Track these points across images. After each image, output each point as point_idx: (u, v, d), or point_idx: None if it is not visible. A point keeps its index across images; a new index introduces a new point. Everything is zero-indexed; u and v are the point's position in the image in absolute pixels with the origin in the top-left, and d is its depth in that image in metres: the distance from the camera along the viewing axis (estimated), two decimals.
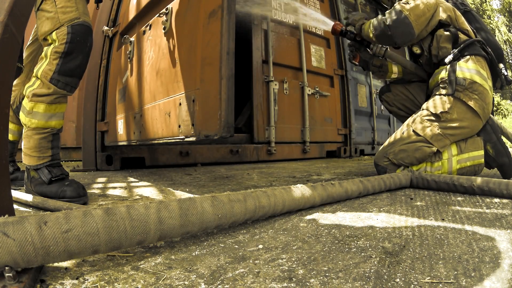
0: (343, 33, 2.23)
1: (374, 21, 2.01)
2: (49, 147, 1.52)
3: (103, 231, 0.68)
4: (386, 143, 1.95)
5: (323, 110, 4.15)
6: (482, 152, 1.83)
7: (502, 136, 2.20)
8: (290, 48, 3.86)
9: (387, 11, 1.97)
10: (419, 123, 1.84)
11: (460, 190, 1.50)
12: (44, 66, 1.48)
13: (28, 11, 0.89)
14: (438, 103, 1.82)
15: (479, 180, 1.43)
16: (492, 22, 23.79)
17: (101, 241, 0.68)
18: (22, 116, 1.51)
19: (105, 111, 2.93)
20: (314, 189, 1.24)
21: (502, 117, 19.43)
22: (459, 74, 1.80)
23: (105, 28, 2.95)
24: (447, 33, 1.90)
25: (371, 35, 2.02)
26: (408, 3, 1.89)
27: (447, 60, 1.86)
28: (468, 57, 1.84)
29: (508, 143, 2.52)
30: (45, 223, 0.63)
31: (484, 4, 24.09)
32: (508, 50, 23.51)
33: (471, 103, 1.76)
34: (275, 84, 3.61)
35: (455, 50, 1.85)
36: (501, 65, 1.94)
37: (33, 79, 1.51)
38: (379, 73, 2.34)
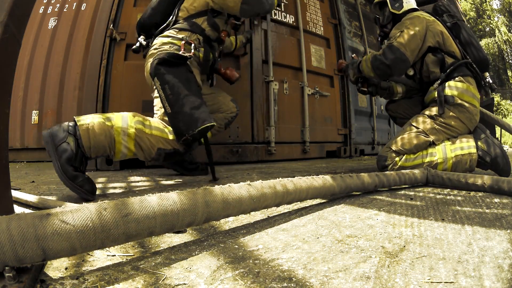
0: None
1: (370, 60, 2.23)
2: (100, 153, 1.62)
3: (159, 214, 0.76)
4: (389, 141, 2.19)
5: (323, 110, 4.14)
6: (473, 143, 1.99)
7: (502, 128, 2.47)
8: (290, 48, 3.85)
9: (384, 47, 2.18)
10: (418, 120, 2.12)
11: (472, 188, 1.54)
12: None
13: (28, 11, 0.89)
14: (433, 110, 2.11)
15: (489, 179, 1.48)
16: (492, 22, 23.77)
17: (157, 223, 0.75)
18: (126, 122, 1.68)
19: (106, 111, 2.92)
20: (334, 180, 1.32)
21: (502, 117, 19.42)
22: (447, 92, 2.06)
23: (111, 27, 2.95)
24: (434, 57, 2.14)
25: (372, 74, 2.27)
26: (402, 34, 2.11)
27: (435, 85, 2.12)
28: (456, 77, 2.08)
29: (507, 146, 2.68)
30: (105, 209, 0.68)
31: (484, 4, 24.07)
32: (508, 50, 23.49)
33: (460, 116, 2.05)
34: (275, 84, 3.60)
35: (443, 75, 2.10)
36: (487, 74, 2.20)
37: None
38: (387, 95, 2.60)
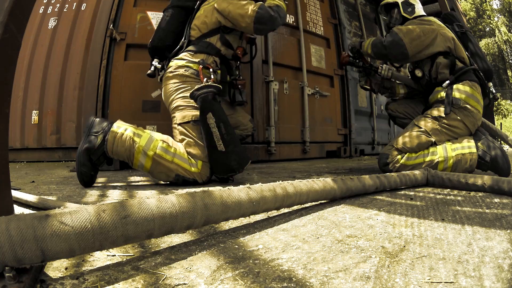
0: (351, 63, 2.51)
1: (373, 39, 2.33)
2: (117, 159, 1.83)
3: (158, 216, 0.75)
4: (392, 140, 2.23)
5: (323, 110, 4.15)
6: (473, 143, 2.01)
7: (500, 139, 2.42)
8: (290, 48, 3.85)
9: (388, 34, 2.28)
10: (421, 120, 2.14)
11: (472, 188, 1.54)
12: None
13: (28, 11, 0.89)
14: (437, 111, 2.13)
15: (490, 179, 1.48)
16: (492, 22, 23.77)
17: (155, 226, 0.75)
18: (153, 145, 1.77)
19: (106, 111, 2.93)
20: (335, 183, 1.32)
21: (502, 117, 19.42)
22: (455, 94, 2.08)
23: (111, 27, 2.95)
24: (446, 60, 2.17)
25: (369, 51, 2.32)
26: (406, 26, 2.19)
27: (444, 84, 2.13)
28: (464, 81, 2.11)
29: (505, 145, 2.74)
30: (103, 211, 0.68)
31: (484, 4, 24.07)
32: (508, 50, 23.49)
33: (464, 119, 2.07)
34: (275, 84, 3.60)
35: (452, 76, 2.13)
36: (490, 84, 2.26)
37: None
38: (389, 94, 2.63)
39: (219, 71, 2.03)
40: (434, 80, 2.24)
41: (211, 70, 1.95)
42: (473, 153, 1.97)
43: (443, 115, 2.08)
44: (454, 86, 2.10)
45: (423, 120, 2.14)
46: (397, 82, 2.60)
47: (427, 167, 1.96)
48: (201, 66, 1.93)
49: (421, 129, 2.09)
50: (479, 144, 2.01)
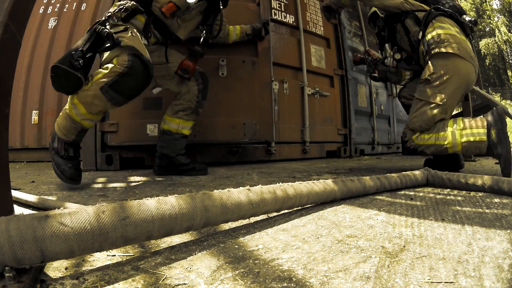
0: (362, 61, 2.71)
1: None
2: (75, 134, 1.81)
3: (157, 218, 0.76)
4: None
5: (323, 110, 4.14)
6: (485, 131, 1.95)
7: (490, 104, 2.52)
8: (290, 48, 3.85)
9: None
10: (419, 91, 2.18)
11: (472, 188, 1.54)
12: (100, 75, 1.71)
13: (28, 11, 0.89)
14: (425, 71, 2.15)
15: (490, 179, 1.48)
16: (492, 22, 23.77)
17: (155, 227, 0.75)
18: (68, 101, 1.76)
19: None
20: (335, 184, 1.32)
21: None
22: (427, 37, 2.14)
23: None
24: (409, 20, 2.26)
25: None
26: None
27: (419, 37, 2.19)
28: (430, 23, 2.17)
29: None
30: (103, 212, 0.68)
31: (484, 4, 24.07)
32: (508, 50, 23.49)
33: (447, 49, 2.05)
34: (275, 84, 3.60)
35: (421, 26, 2.18)
36: (464, 16, 2.28)
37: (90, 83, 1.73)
38: (396, 78, 2.68)
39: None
40: (416, 44, 2.27)
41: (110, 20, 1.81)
42: (483, 141, 1.94)
43: (430, 72, 2.08)
44: (426, 33, 2.15)
45: (419, 90, 2.16)
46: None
47: (437, 149, 2.02)
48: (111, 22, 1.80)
49: (422, 100, 2.10)
50: (492, 131, 1.94)
